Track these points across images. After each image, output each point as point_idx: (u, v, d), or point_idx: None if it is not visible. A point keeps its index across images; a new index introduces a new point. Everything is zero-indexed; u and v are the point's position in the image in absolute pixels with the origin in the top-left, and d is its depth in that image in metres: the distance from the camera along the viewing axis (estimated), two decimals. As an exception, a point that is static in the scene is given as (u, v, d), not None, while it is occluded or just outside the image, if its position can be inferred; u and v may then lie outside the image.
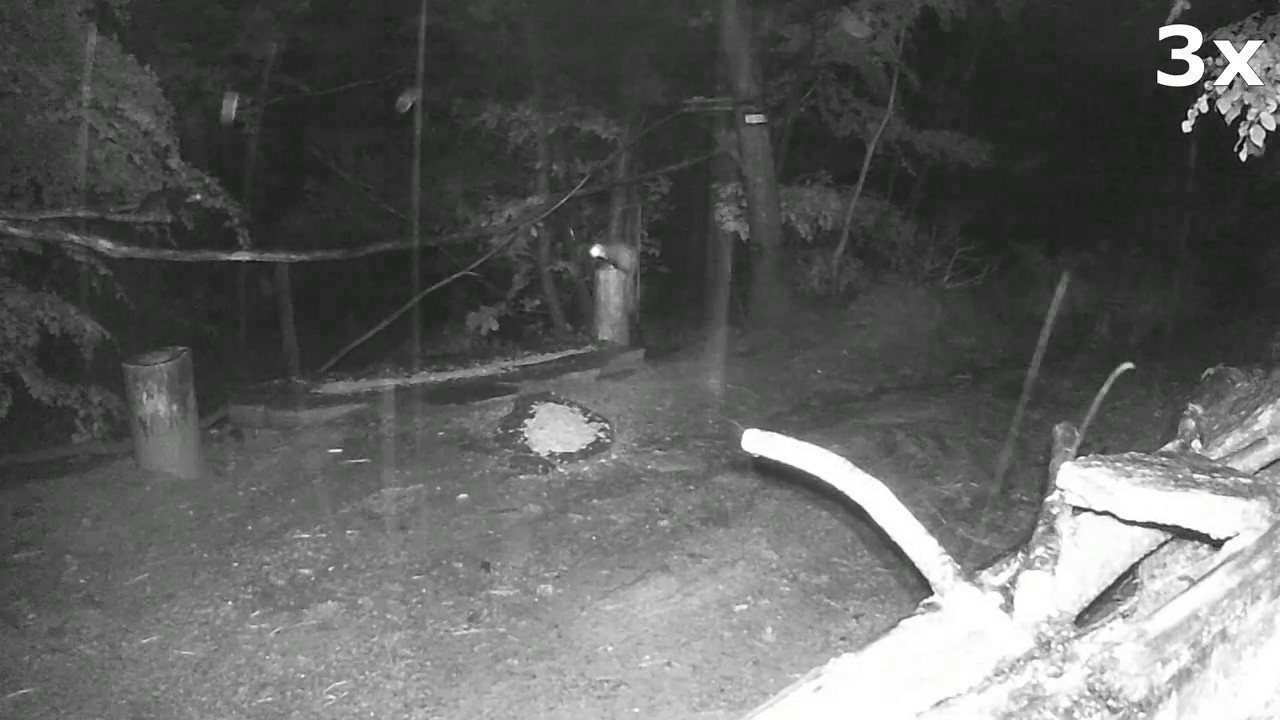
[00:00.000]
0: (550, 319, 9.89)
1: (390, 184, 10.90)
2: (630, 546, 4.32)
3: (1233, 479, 1.90)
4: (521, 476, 5.11)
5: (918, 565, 1.96)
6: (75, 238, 5.71)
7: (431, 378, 6.73)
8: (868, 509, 2.00)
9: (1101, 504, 1.89)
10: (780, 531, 4.41)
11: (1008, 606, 1.82)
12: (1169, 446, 2.55)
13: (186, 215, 6.98)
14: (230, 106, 8.70)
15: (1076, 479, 1.92)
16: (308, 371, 6.90)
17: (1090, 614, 2.09)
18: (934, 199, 10.93)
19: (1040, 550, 1.89)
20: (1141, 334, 9.60)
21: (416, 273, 8.59)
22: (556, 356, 7.33)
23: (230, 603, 3.86)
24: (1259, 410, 2.58)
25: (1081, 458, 2.04)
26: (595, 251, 8.23)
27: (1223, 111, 4.17)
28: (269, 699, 3.25)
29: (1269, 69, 4.07)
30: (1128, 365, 2.69)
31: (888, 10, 8.97)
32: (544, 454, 5.39)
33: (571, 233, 9.92)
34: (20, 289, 6.25)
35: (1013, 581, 1.93)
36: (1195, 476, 1.89)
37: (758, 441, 2.08)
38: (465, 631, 3.64)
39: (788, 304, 8.98)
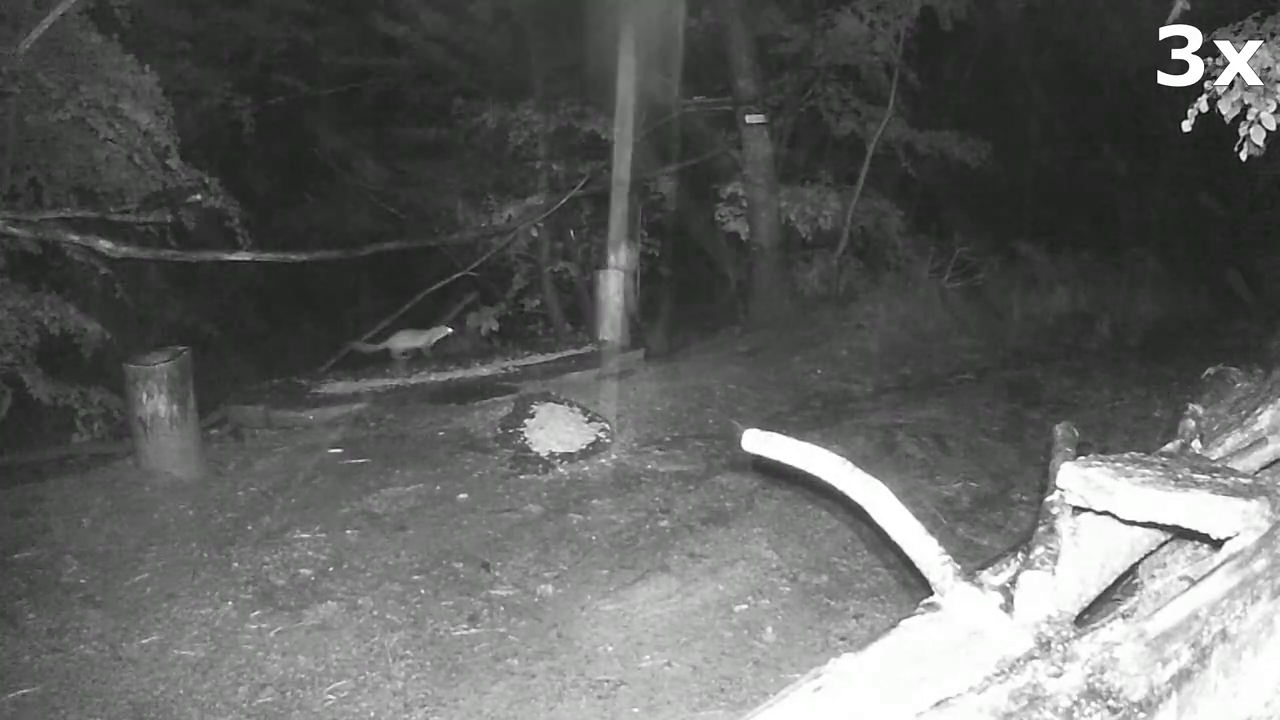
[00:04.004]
0: (550, 319, 9.89)
1: (390, 184, 10.90)
2: (630, 546, 4.32)
3: (1233, 479, 1.91)
4: (521, 476, 5.11)
5: (918, 565, 1.96)
6: (75, 238, 5.71)
7: (431, 378, 6.73)
8: (868, 509, 2.01)
9: (1101, 504, 1.89)
10: (780, 531, 4.41)
11: (1008, 606, 1.82)
12: (1169, 446, 2.55)
13: (186, 215, 6.99)
14: None
15: (1076, 479, 1.92)
16: (308, 371, 6.89)
17: (1090, 614, 2.09)
18: (934, 199, 10.93)
19: (1040, 550, 1.89)
20: (1141, 334, 9.60)
21: (417, 274, 8.59)
22: (556, 356, 7.33)
23: (230, 603, 3.86)
24: (1259, 410, 2.58)
25: (1081, 458, 2.04)
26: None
27: (1223, 111, 4.17)
28: (269, 699, 3.25)
29: (1269, 69, 4.07)
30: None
31: (888, 10, 8.96)
32: (544, 454, 5.39)
33: (571, 233, 9.92)
34: (20, 289, 6.25)
35: (1013, 581, 1.93)
36: (1195, 476, 1.89)
37: (758, 441, 2.08)
38: (465, 631, 3.64)
39: (788, 304, 8.98)
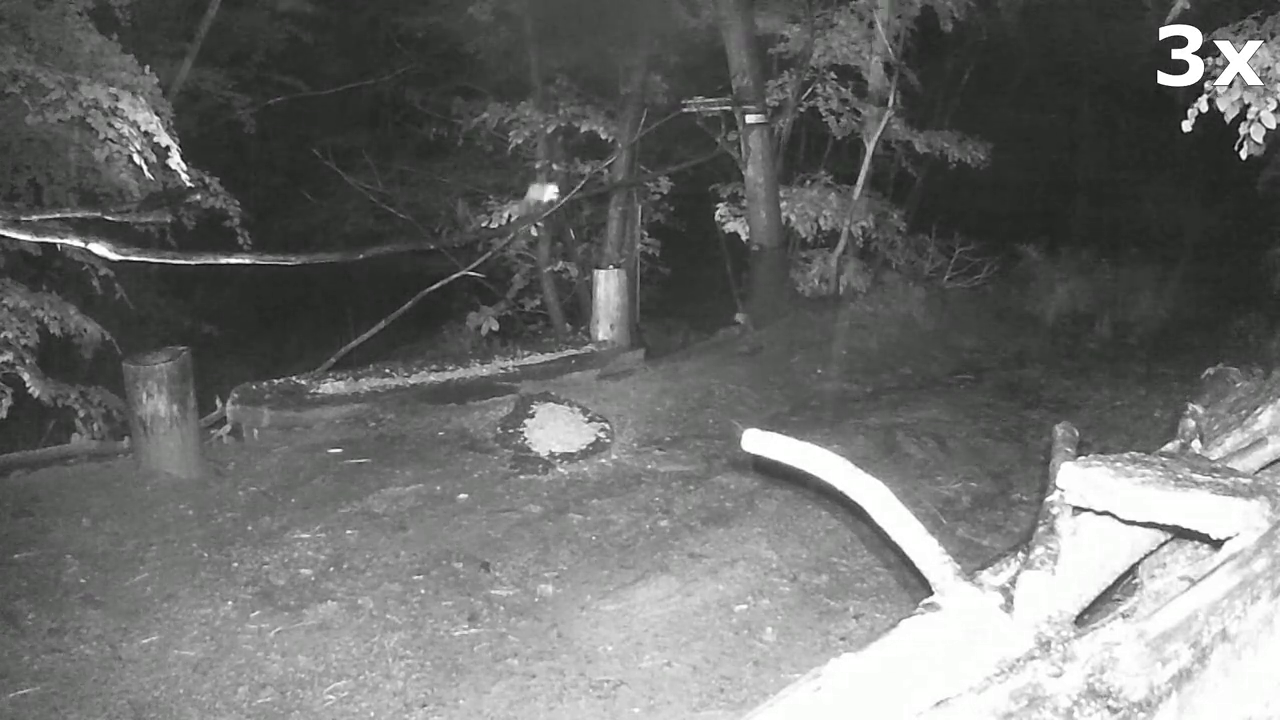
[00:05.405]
0: (550, 319, 9.89)
1: (390, 184, 10.91)
2: (630, 546, 4.32)
3: (1233, 479, 1.90)
4: (521, 476, 5.11)
5: (918, 565, 1.96)
6: (76, 241, 5.71)
7: (431, 378, 6.73)
8: (868, 509, 2.01)
9: (1101, 504, 1.89)
10: (780, 531, 4.41)
11: (1008, 606, 1.82)
12: (1169, 446, 2.55)
13: (186, 215, 6.98)
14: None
15: (1076, 479, 1.92)
16: (308, 371, 6.89)
17: (1090, 614, 2.09)
18: (934, 199, 10.93)
19: (1040, 550, 1.89)
20: (1141, 334, 9.60)
21: (417, 273, 8.60)
22: (556, 356, 7.32)
23: (230, 603, 3.86)
24: (1259, 410, 2.58)
25: (1081, 458, 2.04)
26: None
27: (1222, 110, 4.18)
28: (269, 699, 3.25)
29: (1269, 69, 4.07)
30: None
31: (887, 10, 8.96)
32: (544, 454, 5.39)
33: (571, 233, 9.92)
34: (20, 289, 6.24)
35: (1013, 581, 1.93)
36: (1195, 477, 1.89)
37: (758, 441, 2.09)
38: (465, 631, 3.64)
39: (788, 304, 8.97)
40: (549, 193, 8.68)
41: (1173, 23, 4.52)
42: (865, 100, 9.40)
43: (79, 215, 6.03)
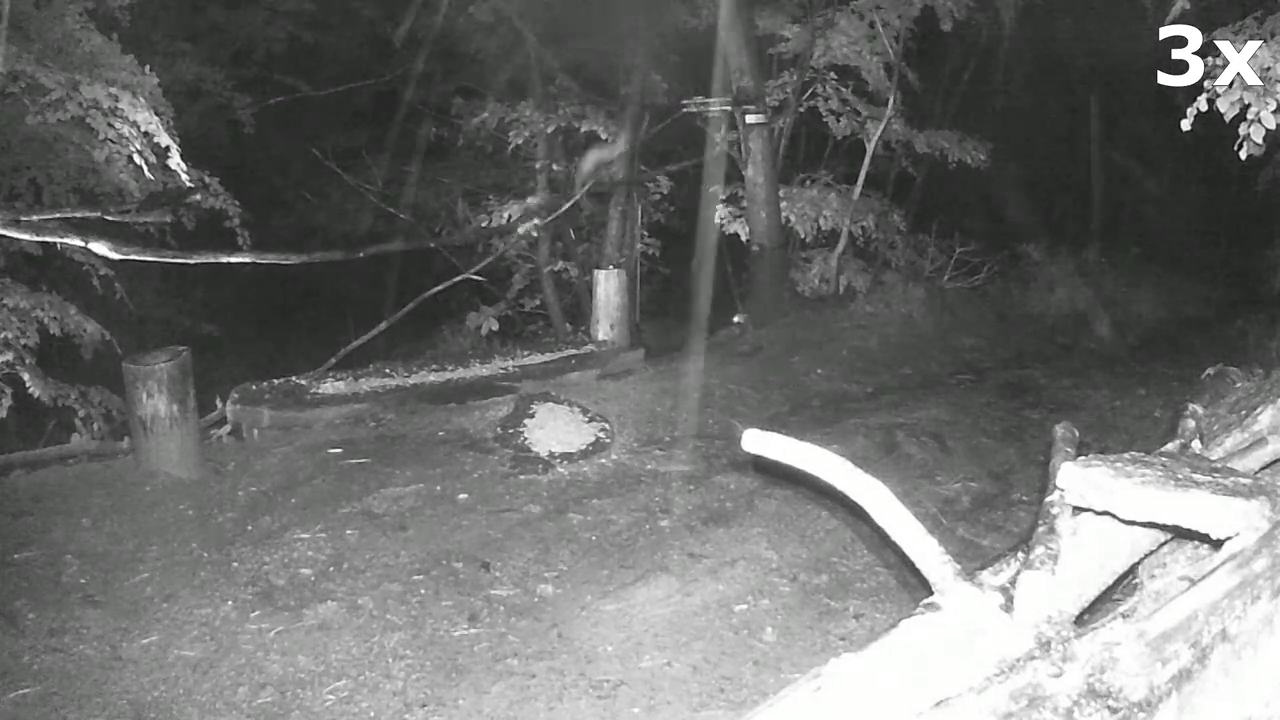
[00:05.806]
0: (550, 319, 9.89)
1: (390, 184, 10.90)
2: (630, 546, 4.32)
3: (1233, 479, 1.91)
4: (521, 476, 5.11)
5: (918, 565, 1.96)
6: (76, 240, 5.70)
7: (431, 378, 6.73)
8: (868, 509, 2.01)
9: (1101, 504, 1.89)
10: (780, 531, 4.42)
11: (1008, 606, 1.82)
12: (1169, 446, 2.55)
13: (186, 215, 6.98)
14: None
15: (1076, 479, 1.92)
16: (308, 371, 6.89)
17: (1090, 614, 2.09)
18: (934, 199, 10.93)
19: (1040, 550, 1.89)
20: (1141, 334, 9.60)
21: (417, 273, 8.61)
22: (556, 356, 7.33)
23: (230, 603, 3.86)
24: (1259, 410, 2.59)
25: (1081, 458, 2.04)
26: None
27: (1222, 110, 4.18)
28: (269, 699, 3.25)
29: (1268, 69, 4.07)
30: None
31: (888, 10, 8.96)
32: (544, 454, 5.39)
33: (571, 233, 9.92)
34: (20, 289, 6.24)
35: (1013, 581, 1.93)
36: (1195, 477, 1.89)
37: (758, 441, 2.09)
38: (465, 631, 3.64)
39: (788, 304, 8.98)
40: (615, 149, 8.73)
41: (1173, 23, 4.52)
42: (865, 100, 9.40)
43: (79, 215, 6.03)
